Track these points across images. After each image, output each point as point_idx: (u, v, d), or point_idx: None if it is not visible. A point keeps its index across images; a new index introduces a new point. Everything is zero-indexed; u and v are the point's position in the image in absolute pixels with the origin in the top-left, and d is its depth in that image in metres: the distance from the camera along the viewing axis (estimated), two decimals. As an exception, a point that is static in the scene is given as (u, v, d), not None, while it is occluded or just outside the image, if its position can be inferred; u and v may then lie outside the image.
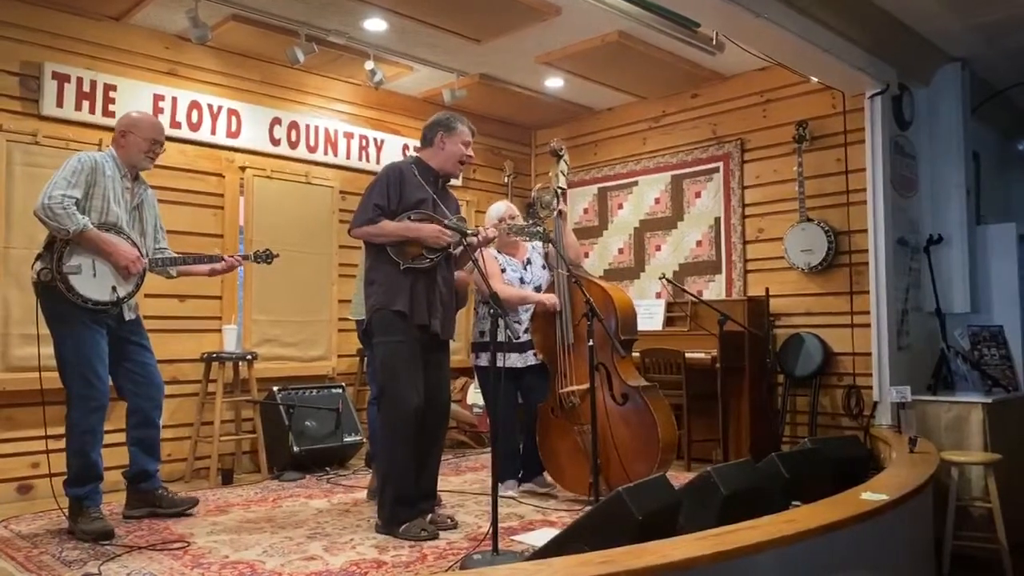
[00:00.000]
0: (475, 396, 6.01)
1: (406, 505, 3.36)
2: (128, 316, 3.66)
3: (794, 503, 2.97)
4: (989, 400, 4.48)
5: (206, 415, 4.83)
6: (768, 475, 2.99)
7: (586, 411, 3.95)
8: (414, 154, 3.71)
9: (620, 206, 6.47)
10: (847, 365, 5.18)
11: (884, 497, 2.78)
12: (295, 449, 4.86)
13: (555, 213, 4.03)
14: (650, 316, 5.60)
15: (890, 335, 4.93)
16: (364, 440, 5.25)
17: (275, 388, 5.07)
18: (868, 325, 4.98)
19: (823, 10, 4.26)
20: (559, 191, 4.18)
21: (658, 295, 6.16)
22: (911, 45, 4.99)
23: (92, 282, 3.43)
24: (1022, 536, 3.99)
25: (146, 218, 3.76)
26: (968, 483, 4.23)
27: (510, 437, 4.30)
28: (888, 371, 4.88)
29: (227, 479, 4.68)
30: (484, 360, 4.22)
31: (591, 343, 3.50)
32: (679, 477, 4.55)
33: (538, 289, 4.27)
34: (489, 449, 5.77)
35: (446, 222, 3.34)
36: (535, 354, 4.20)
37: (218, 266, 3.93)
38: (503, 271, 4.22)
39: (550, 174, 4.26)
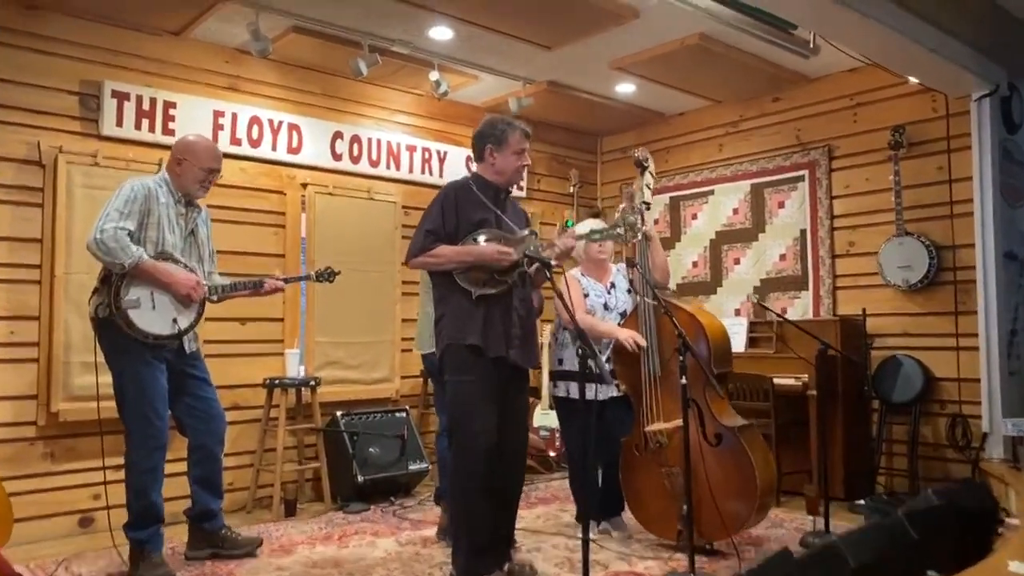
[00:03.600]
0: (542, 419, 5.73)
1: (482, 555, 3.09)
2: (188, 348, 3.49)
3: (930, 572, 2.62)
4: (1118, 433, 4.04)
5: (268, 442, 4.65)
6: (897, 538, 2.64)
7: (674, 452, 3.64)
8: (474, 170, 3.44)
9: (694, 216, 6.12)
10: (951, 392, 4.75)
11: (1036, 569, 2.42)
12: (359, 479, 4.65)
13: (639, 235, 3.68)
14: (732, 336, 5.23)
15: (1000, 359, 4.52)
16: (429, 467, 5.03)
17: (338, 413, 4.86)
18: (975, 348, 4.56)
19: (934, 7, 3.88)
20: (643, 206, 3.83)
21: (738, 312, 5.79)
22: (1023, 40, 4.55)
23: (152, 315, 3.26)
24: None
25: (202, 242, 3.59)
26: (1096, 526, 3.80)
27: (588, 474, 4.00)
28: (1000, 401, 4.46)
29: (290, 510, 4.49)
30: (563, 390, 3.94)
31: (684, 381, 3.18)
32: (771, 515, 4.21)
33: (623, 314, 3.95)
34: (559, 476, 5.51)
35: (522, 249, 3.04)
36: (618, 385, 3.89)
37: (262, 290, 3.71)
38: (586, 295, 3.92)
39: (633, 188, 3.91)
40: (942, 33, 4.04)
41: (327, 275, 3.96)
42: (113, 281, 3.21)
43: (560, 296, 3.05)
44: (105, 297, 3.24)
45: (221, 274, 3.78)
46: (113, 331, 3.24)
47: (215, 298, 3.54)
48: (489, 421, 3.09)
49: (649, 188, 3.82)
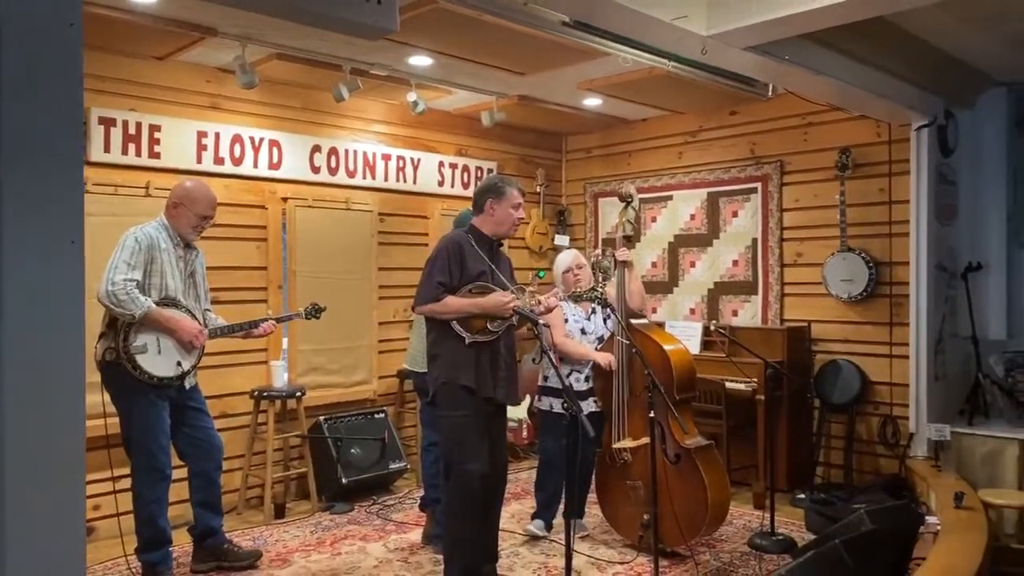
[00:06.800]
0: (510, 410, 6.10)
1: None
2: (188, 384, 3.73)
3: (859, 597, 3.06)
4: (1024, 436, 4.57)
5: (256, 447, 4.93)
6: (835, 566, 3.07)
7: (635, 468, 4.06)
8: (468, 210, 3.70)
9: (654, 219, 6.46)
10: (884, 395, 5.25)
11: (947, 591, 2.88)
12: (344, 480, 4.98)
13: (612, 277, 4.02)
14: (686, 339, 5.63)
15: (928, 367, 5.01)
16: (407, 465, 5.38)
17: (322, 418, 5.15)
18: (906, 356, 5.05)
19: (882, 56, 4.22)
20: (625, 238, 4.16)
21: (692, 311, 6.20)
22: (961, 76, 4.93)
23: (158, 359, 3.49)
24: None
25: (198, 283, 3.82)
26: (1003, 518, 4.35)
27: (556, 480, 4.38)
28: (925, 405, 4.97)
29: (279, 513, 4.80)
30: (546, 404, 4.29)
31: (652, 415, 3.56)
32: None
33: (600, 339, 4.31)
34: (526, 465, 5.87)
35: (514, 306, 3.35)
36: (595, 402, 4.27)
37: (256, 332, 3.98)
38: (565, 320, 4.26)
39: (618, 221, 4.22)
40: (890, 77, 4.40)
41: (314, 312, 4.23)
42: (120, 327, 3.42)
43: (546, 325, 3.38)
44: (112, 342, 3.44)
45: (212, 290, 4.03)
46: (120, 374, 3.46)
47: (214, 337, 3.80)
48: (481, 452, 3.44)
49: (631, 223, 4.15)
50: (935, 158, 5.05)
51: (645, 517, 4.01)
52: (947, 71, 4.78)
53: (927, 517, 4.05)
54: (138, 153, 4.50)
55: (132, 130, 4.49)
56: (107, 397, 3.55)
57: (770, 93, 4.85)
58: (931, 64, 4.62)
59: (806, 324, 5.48)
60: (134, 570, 3.70)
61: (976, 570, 3.13)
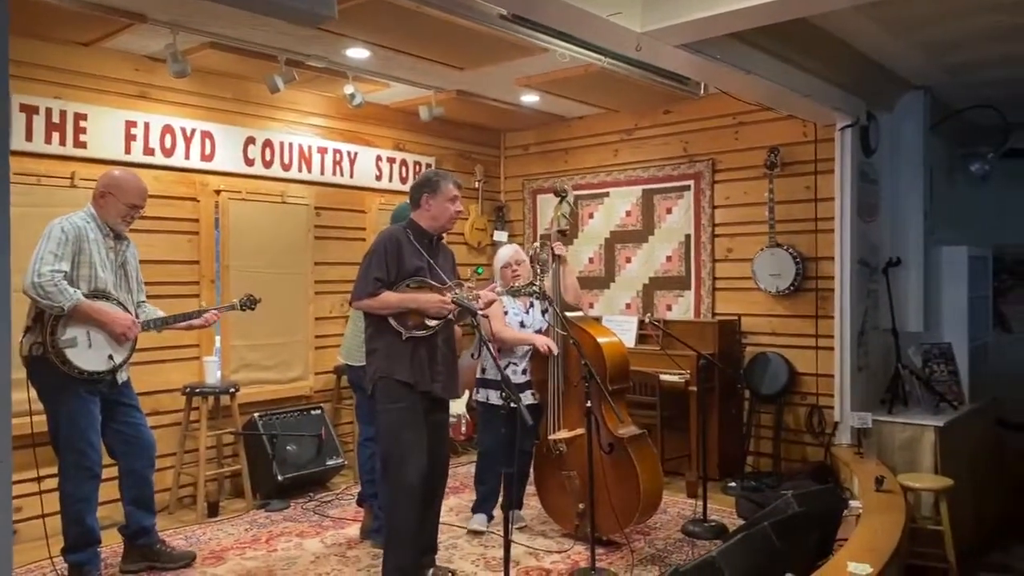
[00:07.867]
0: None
1: (411, 570, 3.46)
2: (120, 379, 3.63)
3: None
4: (941, 423, 4.79)
5: (188, 444, 4.82)
6: (764, 547, 3.18)
7: (571, 459, 4.12)
8: (405, 204, 3.70)
9: (591, 215, 6.55)
10: (810, 385, 5.45)
11: (868, 569, 3.01)
12: (279, 478, 4.91)
13: (550, 271, 4.08)
14: (623, 333, 5.73)
15: (851, 359, 5.21)
16: (344, 462, 5.34)
17: (256, 415, 5.06)
18: (831, 348, 5.24)
19: (807, 58, 4.37)
20: (560, 232, 4.22)
21: (628, 306, 6.31)
22: (881, 79, 5.14)
23: (88, 353, 3.39)
24: (966, 544, 4.33)
25: (130, 274, 3.72)
26: (919, 500, 4.57)
27: (496, 473, 4.40)
28: (849, 394, 5.17)
29: (213, 511, 4.70)
30: (484, 396, 4.32)
31: (588, 404, 3.62)
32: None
33: (539, 331, 4.35)
34: (465, 460, 5.91)
35: (453, 297, 3.36)
36: (533, 394, 4.31)
37: (196, 322, 3.90)
38: (505, 313, 4.29)
39: (553, 215, 4.27)
40: (815, 79, 4.56)
41: (249, 303, 4.16)
42: (47, 320, 3.30)
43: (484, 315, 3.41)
44: (39, 336, 3.32)
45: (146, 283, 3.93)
46: (47, 369, 3.34)
47: (155, 331, 3.70)
48: (420, 445, 3.44)
49: (566, 217, 4.22)
50: (858, 157, 5.25)
51: (581, 506, 4.08)
52: (869, 74, 4.98)
53: (850, 500, 4.21)
54: (62, 142, 4.35)
55: (56, 118, 4.33)
56: (34, 394, 3.44)
57: (702, 92, 4.98)
58: (854, 67, 4.81)
59: (736, 317, 5.65)
60: (60, 571, 3.59)
61: (895, 549, 3.28)
